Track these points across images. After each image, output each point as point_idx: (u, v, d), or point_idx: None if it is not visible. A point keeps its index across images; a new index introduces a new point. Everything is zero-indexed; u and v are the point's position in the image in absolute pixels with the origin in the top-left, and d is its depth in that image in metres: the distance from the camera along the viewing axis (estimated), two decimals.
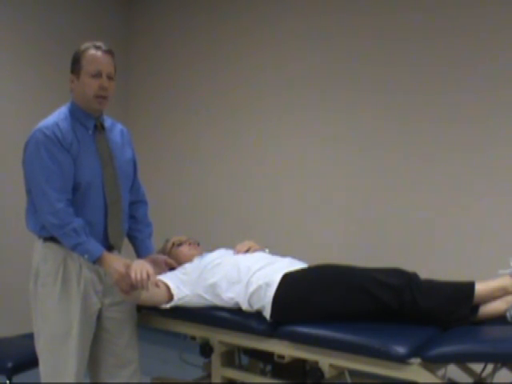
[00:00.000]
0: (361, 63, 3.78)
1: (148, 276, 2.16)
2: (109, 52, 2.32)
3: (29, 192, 2.34)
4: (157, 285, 2.29)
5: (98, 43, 2.33)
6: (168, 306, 2.44)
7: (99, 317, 2.41)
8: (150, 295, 2.37)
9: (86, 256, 2.24)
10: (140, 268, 2.17)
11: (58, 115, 2.33)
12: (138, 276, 2.14)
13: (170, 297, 2.44)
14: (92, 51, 2.29)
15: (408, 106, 3.60)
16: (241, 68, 4.39)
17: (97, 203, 2.33)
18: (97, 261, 2.26)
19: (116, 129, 2.50)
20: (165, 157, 4.86)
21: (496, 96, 3.29)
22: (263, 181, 4.28)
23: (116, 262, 2.25)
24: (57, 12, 4.58)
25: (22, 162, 2.34)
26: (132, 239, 2.61)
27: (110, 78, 2.31)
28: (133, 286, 2.19)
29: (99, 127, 2.38)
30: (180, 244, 2.79)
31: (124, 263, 2.23)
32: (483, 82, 3.33)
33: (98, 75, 2.27)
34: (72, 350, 2.29)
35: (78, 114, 2.34)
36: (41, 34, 4.50)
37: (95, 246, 2.26)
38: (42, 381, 2.35)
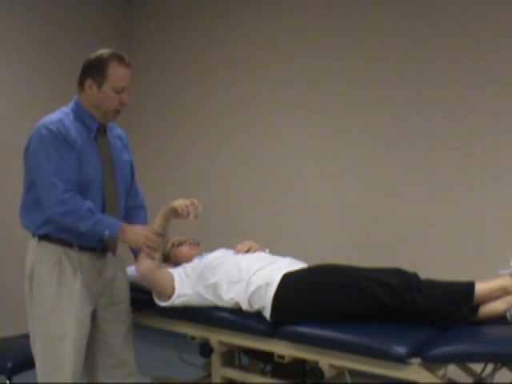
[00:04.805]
0: (363, 62, 3.77)
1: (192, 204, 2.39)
2: (130, 65, 2.33)
3: (28, 188, 2.32)
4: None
5: (119, 52, 2.32)
6: (168, 302, 2.46)
7: (94, 317, 2.41)
8: (160, 272, 2.48)
9: (106, 232, 2.23)
10: (181, 201, 2.40)
11: (59, 114, 2.32)
12: (183, 204, 2.38)
13: (174, 289, 2.46)
14: (118, 64, 2.28)
15: (411, 107, 3.59)
16: (238, 70, 4.38)
17: (94, 204, 2.32)
18: (119, 233, 2.25)
19: (115, 132, 2.51)
20: (163, 157, 4.86)
21: (498, 98, 3.29)
22: (263, 181, 4.27)
23: (137, 227, 2.33)
24: (56, 14, 4.57)
25: (23, 157, 2.32)
26: None
27: (127, 91, 2.34)
28: (159, 244, 2.32)
29: (101, 130, 2.38)
30: (180, 244, 2.79)
31: (145, 227, 2.35)
32: (488, 83, 3.32)
33: (121, 91, 2.30)
34: (68, 351, 2.29)
35: (83, 116, 2.33)
36: (39, 36, 4.48)
37: (113, 221, 2.28)
38: (39, 381, 2.35)
